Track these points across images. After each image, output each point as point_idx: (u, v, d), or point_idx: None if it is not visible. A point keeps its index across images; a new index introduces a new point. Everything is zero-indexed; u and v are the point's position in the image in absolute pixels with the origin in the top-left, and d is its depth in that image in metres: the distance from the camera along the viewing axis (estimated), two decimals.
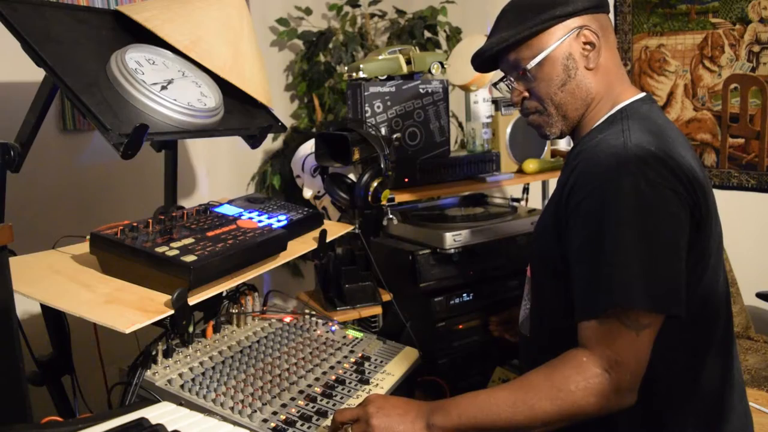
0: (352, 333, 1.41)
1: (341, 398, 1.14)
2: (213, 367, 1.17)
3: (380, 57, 1.80)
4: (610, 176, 0.96)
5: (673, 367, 1.03)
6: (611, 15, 2.64)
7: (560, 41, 1.09)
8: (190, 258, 1.04)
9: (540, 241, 1.15)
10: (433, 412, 0.96)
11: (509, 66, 1.14)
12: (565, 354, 0.94)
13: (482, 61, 1.17)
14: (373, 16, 2.73)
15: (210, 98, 1.36)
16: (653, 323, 0.92)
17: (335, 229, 1.54)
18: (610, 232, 0.93)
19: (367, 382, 1.21)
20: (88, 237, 1.12)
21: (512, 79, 1.15)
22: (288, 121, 2.69)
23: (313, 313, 1.49)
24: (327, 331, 1.41)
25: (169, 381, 1.10)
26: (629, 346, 0.91)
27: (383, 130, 1.73)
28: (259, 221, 1.34)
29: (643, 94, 1.14)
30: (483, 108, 1.91)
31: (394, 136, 1.75)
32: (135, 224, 1.15)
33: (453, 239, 1.59)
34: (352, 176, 1.58)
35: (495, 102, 1.94)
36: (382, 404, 0.98)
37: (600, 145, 1.02)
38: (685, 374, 1.05)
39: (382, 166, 1.53)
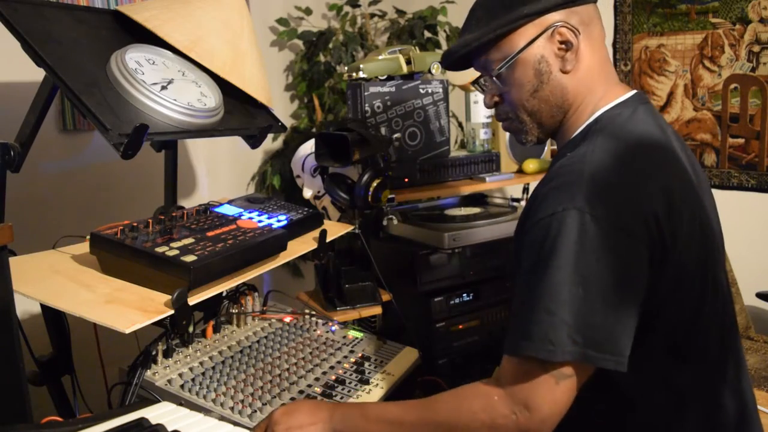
0: (352, 333, 1.41)
1: (341, 398, 1.14)
2: (213, 367, 1.17)
3: (380, 57, 1.80)
4: (558, 209, 0.86)
5: (664, 415, 0.94)
6: (611, 15, 2.65)
7: (530, 42, 0.97)
8: (190, 258, 1.04)
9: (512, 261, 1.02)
10: (336, 411, 0.98)
11: (480, 67, 1.05)
12: (478, 386, 0.90)
13: (452, 62, 1.07)
14: (373, 16, 2.73)
15: (210, 98, 1.36)
16: (579, 373, 0.84)
17: (335, 229, 1.54)
18: (546, 270, 0.84)
19: (367, 382, 1.21)
20: (88, 237, 1.13)
21: (484, 81, 1.06)
22: (288, 121, 2.69)
23: (313, 313, 1.49)
24: (327, 331, 1.41)
25: (169, 381, 1.10)
26: (545, 393, 0.83)
27: (383, 130, 1.73)
28: (259, 221, 1.34)
29: (627, 95, 1.00)
30: (483, 108, 1.91)
31: (394, 136, 1.75)
32: (135, 224, 1.15)
33: (453, 239, 1.59)
34: (352, 176, 1.58)
35: None
36: (287, 408, 1.00)
37: (562, 168, 0.92)
38: (688, 425, 0.95)
39: (382, 166, 1.54)
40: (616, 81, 1.03)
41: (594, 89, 1.00)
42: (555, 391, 0.83)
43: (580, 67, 0.99)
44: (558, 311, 0.82)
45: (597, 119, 0.98)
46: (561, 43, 0.97)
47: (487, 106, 1.08)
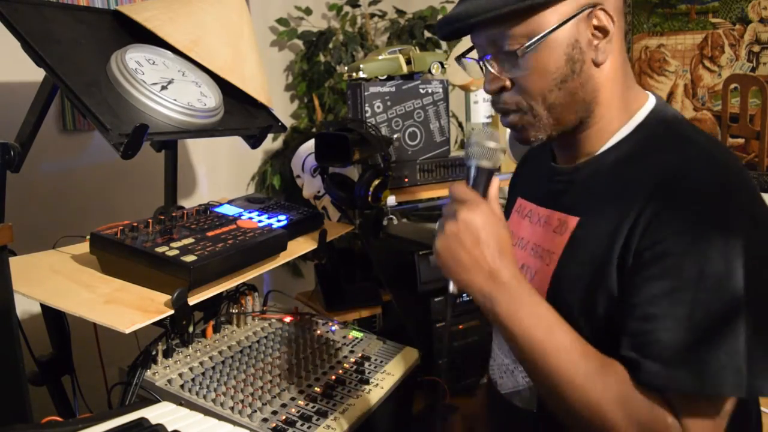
0: (352, 333, 1.41)
1: (341, 398, 1.14)
2: (213, 367, 1.17)
3: (380, 57, 1.80)
4: (718, 215, 0.74)
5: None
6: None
7: (564, 22, 0.81)
8: (190, 258, 1.04)
9: (578, 293, 0.85)
10: (508, 286, 0.79)
11: (488, 41, 0.85)
12: (655, 409, 0.74)
13: (452, 30, 0.87)
14: (373, 16, 2.73)
15: (210, 98, 1.36)
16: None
17: (335, 229, 1.54)
18: (723, 300, 0.72)
19: (367, 382, 1.21)
20: (88, 237, 1.12)
21: (489, 59, 0.86)
22: (288, 121, 2.69)
23: (313, 313, 1.49)
24: (327, 331, 1.41)
25: (169, 381, 1.10)
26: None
27: (383, 130, 1.73)
28: (259, 221, 1.34)
29: (652, 95, 0.92)
30: (483, 108, 1.91)
31: (394, 136, 1.75)
32: (135, 224, 1.15)
33: None
34: (352, 176, 1.58)
35: None
36: (467, 222, 0.79)
37: (678, 166, 0.79)
38: None
39: (382, 166, 1.54)
40: (633, 80, 0.92)
41: (626, 89, 0.89)
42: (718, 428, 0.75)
43: (612, 61, 0.86)
44: (736, 353, 0.72)
45: (647, 120, 0.88)
46: (596, 29, 0.83)
47: (490, 92, 0.88)
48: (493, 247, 0.79)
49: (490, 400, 1.09)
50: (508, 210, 1.09)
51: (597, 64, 0.85)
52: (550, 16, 0.81)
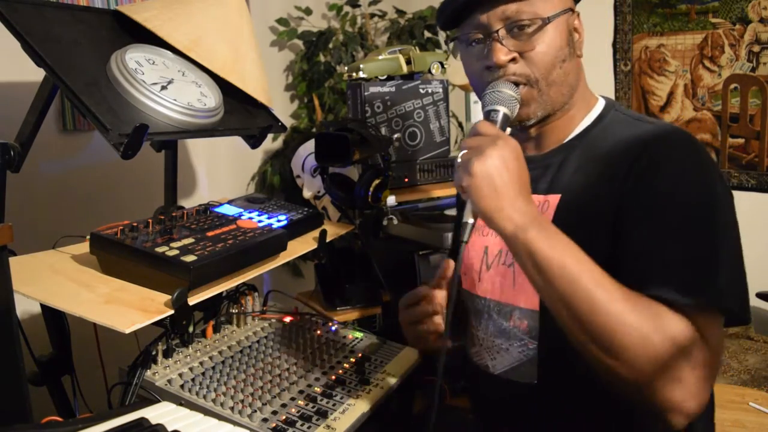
0: (352, 333, 1.41)
1: (341, 398, 1.14)
2: (213, 367, 1.17)
3: (380, 57, 1.80)
4: (698, 160, 0.89)
5: None
6: (611, 15, 2.65)
7: (565, 11, 0.96)
8: (190, 258, 1.04)
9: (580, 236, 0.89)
10: (537, 217, 0.83)
11: (501, 16, 0.94)
12: (681, 323, 0.80)
13: (466, 2, 0.95)
14: (373, 16, 2.73)
15: (210, 98, 1.36)
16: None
17: (335, 229, 1.54)
18: (716, 226, 0.86)
19: (367, 382, 1.21)
20: (88, 237, 1.12)
21: (508, 31, 0.95)
22: (288, 121, 2.69)
23: (313, 313, 1.49)
24: (327, 331, 1.41)
25: (169, 381, 1.10)
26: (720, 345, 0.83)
27: (383, 130, 1.73)
28: (259, 221, 1.34)
29: (602, 96, 1.07)
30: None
31: (394, 136, 1.75)
32: (135, 224, 1.15)
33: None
34: (352, 176, 1.58)
35: None
36: (502, 154, 0.82)
37: (646, 127, 0.96)
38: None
39: (382, 166, 1.54)
40: None
41: (585, 83, 1.04)
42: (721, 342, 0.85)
43: (581, 59, 1.01)
44: (733, 268, 0.86)
45: (604, 111, 1.03)
46: (575, 28, 0.99)
47: (501, 63, 0.94)
48: (522, 181, 0.84)
49: (482, 384, 1.11)
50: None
51: (578, 56, 1.00)
52: (552, 4, 0.95)
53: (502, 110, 0.91)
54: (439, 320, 1.02)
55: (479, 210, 0.82)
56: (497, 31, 0.95)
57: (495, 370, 1.06)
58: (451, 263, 0.98)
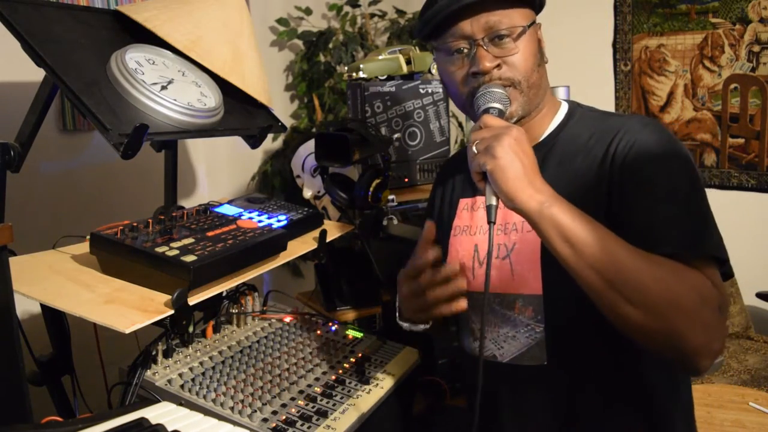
0: (352, 333, 1.41)
1: (341, 398, 1.14)
2: (213, 367, 1.17)
3: (380, 57, 1.80)
4: (667, 134, 1.00)
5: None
6: (611, 15, 2.65)
7: (532, 22, 1.06)
8: (190, 258, 1.04)
9: None
10: (554, 193, 0.88)
11: (484, 26, 1.02)
12: (698, 275, 0.88)
13: (458, 9, 1.02)
14: (373, 16, 2.73)
15: (210, 98, 1.36)
16: None
17: (335, 229, 1.54)
18: (697, 186, 0.96)
19: (367, 382, 1.21)
20: (88, 237, 1.13)
21: (481, 41, 1.02)
22: (288, 121, 2.70)
23: (313, 313, 1.49)
24: (327, 331, 1.41)
25: (169, 381, 1.10)
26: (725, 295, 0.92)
27: (383, 130, 1.73)
28: (259, 221, 1.34)
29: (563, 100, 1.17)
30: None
31: (394, 136, 1.75)
32: (135, 224, 1.15)
33: None
34: (352, 176, 1.58)
35: None
36: (518, 139, 0.87)
37: (615, 118, 1.07)
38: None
39: (382, 166, 1.54)
40: None
41: (550, 87, 1.13)
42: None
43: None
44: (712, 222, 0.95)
45: (571, 110, 1.13)
46: (539, 39, 1.08)
47: (486, 69, 1.02)
48: (535, 163, 0.89)
49: (492, 375, 1.09)
50: (445, 218, 1.23)
51: (545, 62, 1.09)
52: (529, 14, 1.06)
53: (499, 107, 0.99)
54: (446, 288, 1.01)
55: (504, 191, 0.86)
56: (482, 39, 1.03)
57: (503, 358, 1.09)
58: (432, 226, 1.03)
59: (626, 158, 0.99)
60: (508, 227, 1.09)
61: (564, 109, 1.14)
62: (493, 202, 0.87)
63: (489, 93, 1.00)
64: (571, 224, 0.85)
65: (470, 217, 1.18)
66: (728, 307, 0.90)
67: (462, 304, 0.99)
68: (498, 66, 1.03)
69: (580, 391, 1.04)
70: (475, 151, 0.88)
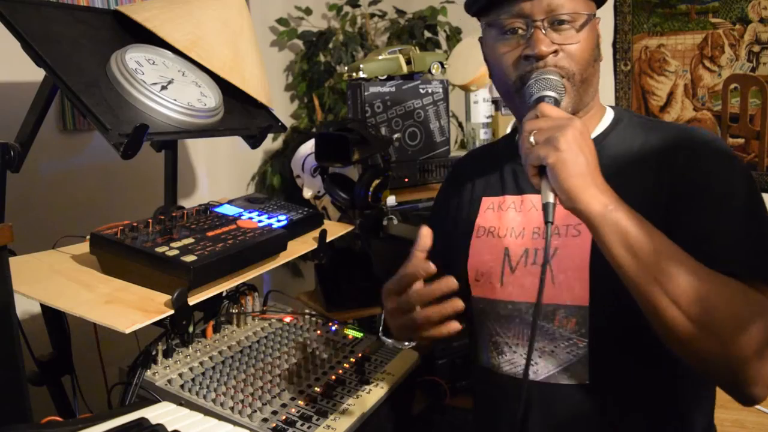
0: (352, 333, 1.41)
1: (341, 398, 1.14)
2: (213, 367, 1.17)
3: (380, 57, 1.80)
4: (726, 148, 0.97)
5: None
6: (611, 15, 2.65)
7: (594, 14, 0.98)
8: (190, 258, 1.04)
9: None
10: (617, 196, 0.80)
11: (546, 8, 0.94)
12: (755, 294, 0.82)
13: None
14: (373, 16, 2.73)
15: (210, 98, 1.36)
16: None
17: (335, 229, 1.54)
18: (759, 205, 0.91)
19: (367, 382, 1.21)
20: (88, 237, 1.12)
21: (540, 24, 0.94)
22: (288, 121, 2.69)
23: (313, 313, 1.49)
24: (327, 331, 1.41)
25: (169, 381, 1.10)
26: None
27: (383, 130, 1.73)
28: (259, 221, 1.34)
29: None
30: (483, 108, 1.91)
31: (394, 136, 1.75)
32: (135, 224, 1.15)
33: None
34: (352, 176, 1.58)
35: (495, 102, 1.95)
36: (582, 132, 0.80)
37: (667, 126, 1.03)
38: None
39: (382, 166, 1.54)
40: None
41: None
42: None
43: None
44: None
45: (618, 115, 1.06)
46: (598, 33, 1.01)
47: (543, 54, 0.93)
48: (597, 162, 0.81)
49: (511, 395, 1.03)
50: (464, 217, 1.13)
51: (600, 59, 1.01)
52: (587, 4, 0.97)
53: (555, 96, 0.89)
54: (432, 311, 0.87)
55: (565, 188, 0.77)
56: (541, 21, 0.94)
57: (537, 376, 0.99)
58: (429, 232, 0.90)
59: (686, 174, 0.92)
60: (542, 231, 1.01)
61: (610, 114, 1.07)
62: (551, 199, 0.78)
63: (544, 80, 0.91)
64: (634, 230, 0.77)
65: (497, 218, 1.08)
66: None
67: (454, 326, 0.86)
68: (555, 52, 0.94)
69: (624, 415, 0.96)
70: (533, 142, 0.79)
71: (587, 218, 0.78)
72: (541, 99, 0.89)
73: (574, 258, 0.96)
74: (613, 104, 1.15)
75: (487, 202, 1.11)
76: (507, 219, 1.06)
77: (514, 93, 0.97)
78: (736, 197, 0.90)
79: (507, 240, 1.05)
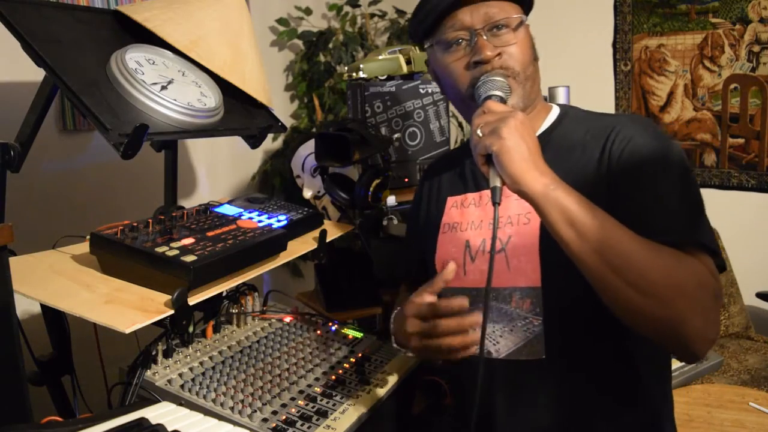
0: (352, 333, 1.41)
1: (341, 398, 1.14)
2: (213, 367, 1.17)
3: (380, 57, 1.80)
4: (659, 129, 1.04)
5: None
6: (611, 15, 2.65)
7: (525, 19, 1.09)
8: (190, 258, 1.04)
9: None
10: (557, 177, 0.88)
11: (484, 16, 1.05)
12: (696, 263, 0.89)
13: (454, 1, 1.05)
14: (373, 16, 2.73)
15: (210, 98, 1.36)
16: None
17: (335, 229, 1.54)
18: (690, 178, 0.98)
19: (367, 382, 1.21)
20: (88, 237, 1.13)
21: (481, 30, 1.04)
22: (288, 121, 2.70)
23: (313, 313, 1.49)
24: (327, 331, 1.41)
25: (169, 381, 1.10)
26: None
27: (383, 130, 1.73)
28: (259, 221, 1.34)
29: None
30: None
31: (394, 136, 1.75)
32: (135, 224, 1.15)
33: None
34: (352, 176, 1.59)
35: None
36: (523, 122, 0.87)
37: (606, 116, 1.10)
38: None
39: (382, 166, 1.54)
40: None
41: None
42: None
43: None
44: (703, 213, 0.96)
45: (563, 111, 1.15)
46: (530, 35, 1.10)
47: (488, 58, 1.03)
48: (538, 146, 0.89)
49: (487, 373, 1.08)
50: (432, 218, 1.22)
51: (537, 59, 1.10)
52: (517, 10, 1.07)
53: (501, 94, 0.99)
54: (465, 337, 0.96)
55: (510, 172, 0.85)
56: (482, 29, 1.05)
57: (499, 354, 1.07)
58: (454, 268, 0.99)
59: (623, 154, 1.00)
60: (502, 221, 1.09)
61: (556, 110, 1.16)
62: (498, 183, 0.87)
63: (491, 81, 1.00)
64: (575, 207, 0.84)
65: (460, 214, 1.18)
66: (723, 295, 0.90)
67: (473, 350, 0.95)
68: (498, 55, 1.04)
69: (578, 384, 1.03)
70: (480, 135, 0.88)
71: (531, 198, 0.86)
72: (488, 98, 0.98)
73: (525, 244, 1.05)
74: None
75: (451, 201, 1.21)
76: (468, 214, 1.16)
77: (467, 98, 1.06)
78: (669, 172, 0.97)
79: (468, 233, 1.15)
